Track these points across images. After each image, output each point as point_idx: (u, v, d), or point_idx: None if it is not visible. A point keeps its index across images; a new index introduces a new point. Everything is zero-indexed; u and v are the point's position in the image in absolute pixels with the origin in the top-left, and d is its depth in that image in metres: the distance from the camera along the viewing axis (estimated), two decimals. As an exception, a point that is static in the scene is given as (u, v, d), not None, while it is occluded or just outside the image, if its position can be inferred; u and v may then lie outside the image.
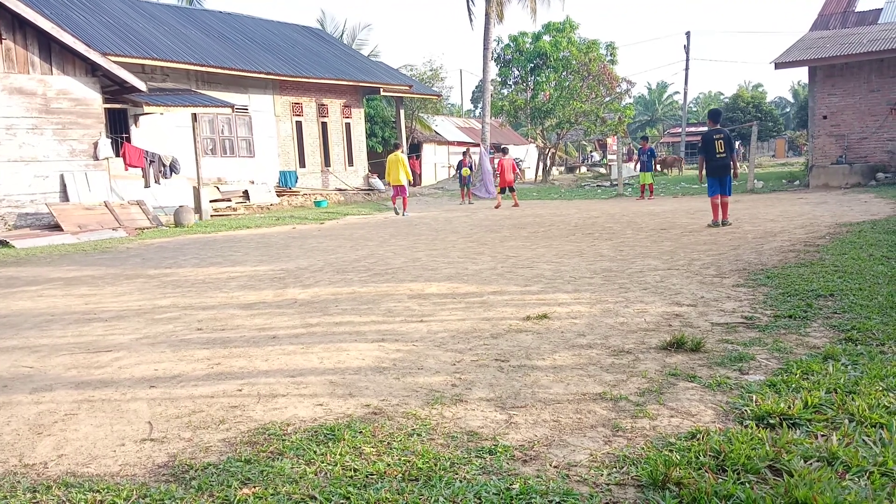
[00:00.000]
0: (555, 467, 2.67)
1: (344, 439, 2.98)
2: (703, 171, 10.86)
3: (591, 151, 53.72)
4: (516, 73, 35.01)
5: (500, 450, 2.83)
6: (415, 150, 34.92)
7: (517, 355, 4.25)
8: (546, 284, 6.73)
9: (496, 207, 18.98)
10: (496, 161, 21.20)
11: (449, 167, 36.16)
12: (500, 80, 35.87)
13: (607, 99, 34.30)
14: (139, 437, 3.19)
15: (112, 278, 8.63)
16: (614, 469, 2.63)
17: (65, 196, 15.91)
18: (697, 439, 2.83)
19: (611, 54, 34.33)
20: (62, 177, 15.93)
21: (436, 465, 2.71)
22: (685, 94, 46.11)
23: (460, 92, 68.70)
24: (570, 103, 32.89)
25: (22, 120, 15.34)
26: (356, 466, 2.73)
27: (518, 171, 22.23)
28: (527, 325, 5.02)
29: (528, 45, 33.79)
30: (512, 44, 34.19)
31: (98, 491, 2.63)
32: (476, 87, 54.98)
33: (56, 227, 14.90)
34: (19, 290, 8.03)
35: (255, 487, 2.58)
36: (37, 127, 15.57)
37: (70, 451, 3.06)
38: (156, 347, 4.87)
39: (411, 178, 18.82)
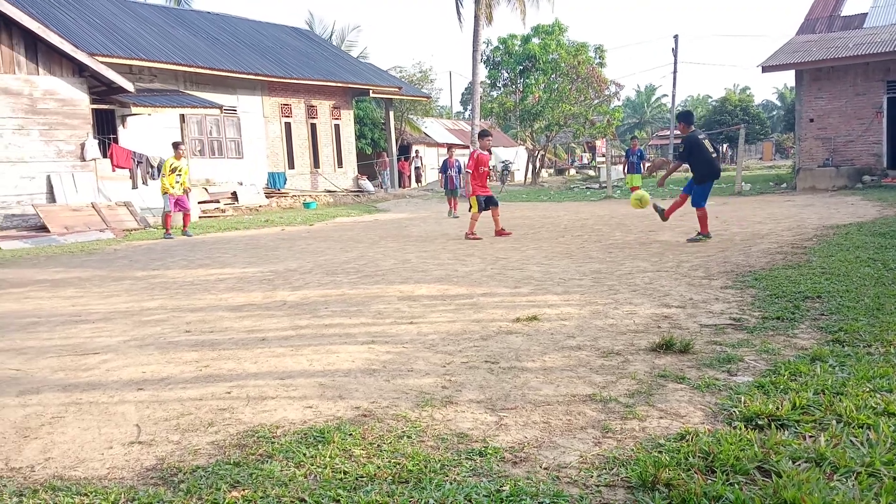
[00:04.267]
0: (545, 469, 2.68)
1: (333, 441, 2.97)
2: (666, 176, 11.12)
3: (581, 153, 53.86)
4: (505, 75, 35.04)
5: (490, 451, 2.83)
6: (404, 151, 34.90)
7: (507, 357, 4.25)
8: (536, 286, 6.74)
9: (468, 235, 11.52)
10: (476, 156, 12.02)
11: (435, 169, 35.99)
12: (489, 82, 35.91)
13: (596, 101, 34.38)
14: (127, 439, 3.17)
15: (99, 280, 8.57)
16: (604, 470, 2.64)
17: (51, 197, 15.78)
18: (686, 440, 2.84)
19: (599, 57, 34.43)
20: (49, 178, 15.81)
21: (426, 467, 2.71)
22: (673, 97, 46.39)
23: (450, 94, 68.86)
24: (560, 106, 32.94)
25: (8, 120, 15.21)
26: (346, 469, 2.72)
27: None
28: (517, 327, 5.03)
29: (517, 48, 33.83)
30: (501, 46, 34.22)
31: (85, 494, 2.60)
32: (465, 89, 55.05)
33: (43, 229, 14.77)
34: (5, 291, 7.95)
35: (244, 490, 2.56)
36: (23, 127, 15.44)
37: (57, 455, 3.03)
38: (144, 350, 4.84)
39: (169, 188, 13.96)
